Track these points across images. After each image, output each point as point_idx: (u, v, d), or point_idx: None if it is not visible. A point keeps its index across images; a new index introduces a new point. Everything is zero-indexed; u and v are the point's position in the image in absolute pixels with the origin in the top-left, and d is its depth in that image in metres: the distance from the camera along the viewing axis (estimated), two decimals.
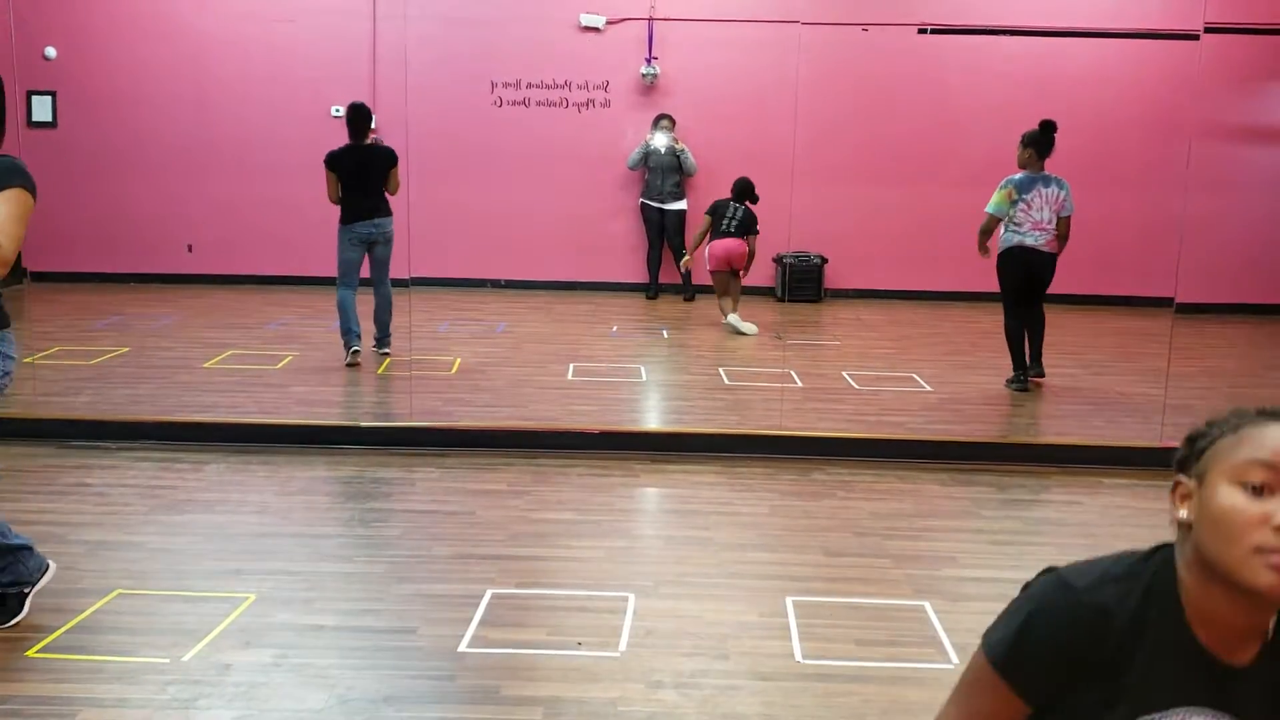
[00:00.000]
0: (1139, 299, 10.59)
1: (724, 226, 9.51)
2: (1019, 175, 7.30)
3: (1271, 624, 1.49)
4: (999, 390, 7.58)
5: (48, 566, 3.91)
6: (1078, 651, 1.47)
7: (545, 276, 11.46)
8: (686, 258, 10.09)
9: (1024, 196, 7.23)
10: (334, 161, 7.69)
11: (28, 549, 3.86)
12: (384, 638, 3.80)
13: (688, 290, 11.10)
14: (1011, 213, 7.26)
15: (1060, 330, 8.10)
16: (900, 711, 3.39)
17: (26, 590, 3.83)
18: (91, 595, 4.05)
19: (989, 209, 7.35)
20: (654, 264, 11.32)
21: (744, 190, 9.57)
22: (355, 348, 7.73)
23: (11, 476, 5.41)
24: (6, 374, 3.62)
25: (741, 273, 9.57)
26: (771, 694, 3.47)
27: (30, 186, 3.49)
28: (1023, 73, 10.99)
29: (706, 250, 9.63)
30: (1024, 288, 7.43)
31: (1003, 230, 7.37)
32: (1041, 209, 7.27)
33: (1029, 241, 7.28)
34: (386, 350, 7.98)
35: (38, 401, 6.63)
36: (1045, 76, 10.95)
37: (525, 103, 11.35)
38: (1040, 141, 7.30)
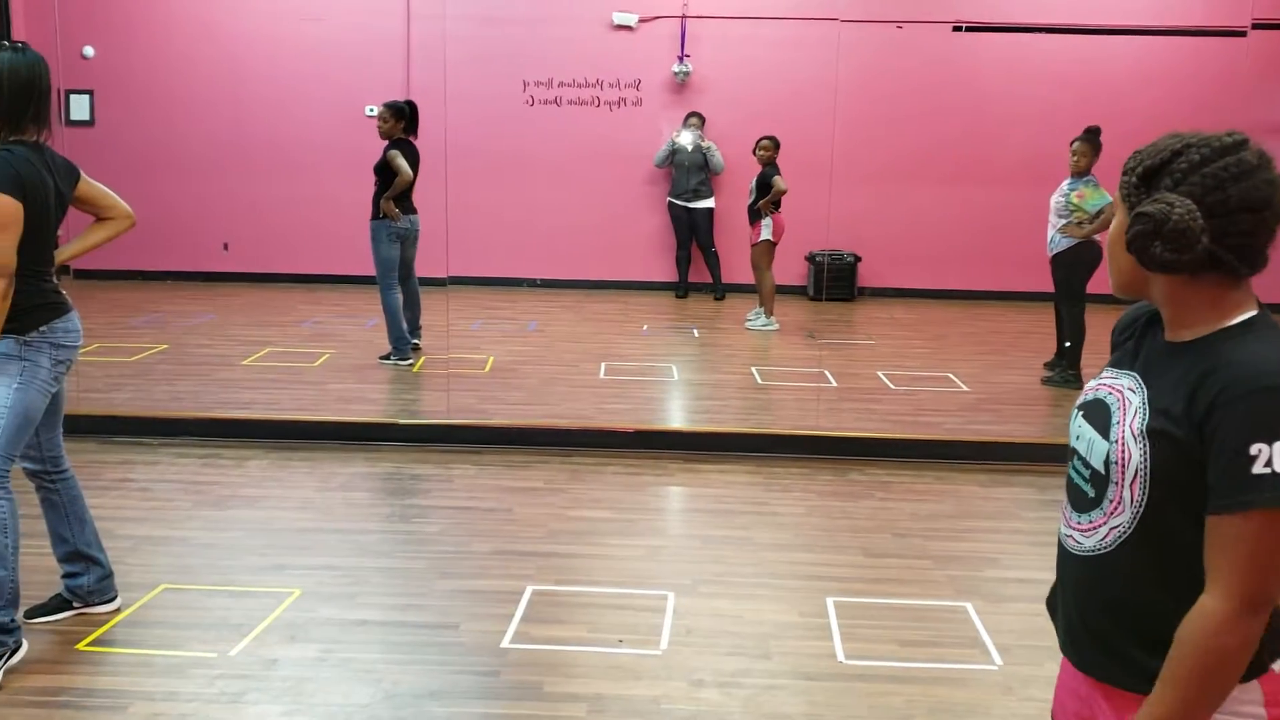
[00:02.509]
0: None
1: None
2: (1092, 176, 7.31)
3: None
4: (1037, 390, 7.55)
5: (113, 596, 3.95)
6: None
7: (576, 275, 11.47)
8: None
9: None
10: (402, 147, 7.69)
11: (100, 567, 3.90)
12: (427, 633, 3.82)
13: (718, 290, 11.10)
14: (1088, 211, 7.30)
15: (1098, 330, 8.05)
16: (944, 712, 3.39)
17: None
18: (139, 589, 4.09)
19: (1103, 201, 7.25)
20: (683, 263, 11.32)
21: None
22: (412, 356, 7.82)
23: None
24: (59, 362, 3.61)
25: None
26: (815, 694, 3.48)
27: (10, 189, 3.34)
28: (1062, 71, 10.93)
29: (772, 221, 9.42)
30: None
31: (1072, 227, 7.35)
32: None
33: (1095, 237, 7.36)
34: (417, 341, 8.03)
35: (80, 397, 6.67)
36: (1085, 75, 10.88)
37: (557, 101, 11.38)
38: (1098, 144, 7.35)
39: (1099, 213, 7.23)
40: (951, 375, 7.85)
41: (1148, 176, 1.64)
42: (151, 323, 9.23)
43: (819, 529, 4.98)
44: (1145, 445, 1.62)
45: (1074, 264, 7.39)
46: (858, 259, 11.20)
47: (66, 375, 3.71)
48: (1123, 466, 1.64)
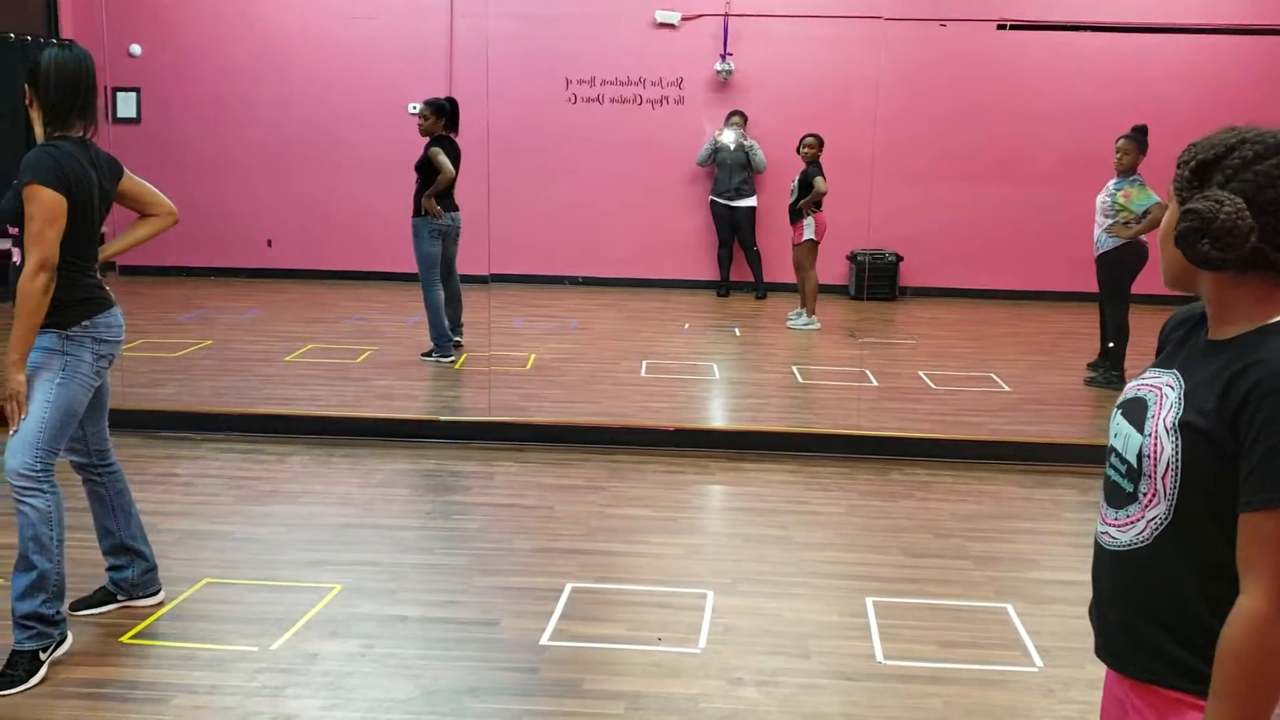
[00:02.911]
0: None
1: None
2: (1138, 176, 7.24)
3: None
4: (1080, 391, 7.48)
5: (157, 589, 3.98)
6: None
7: (617, 274, 11.48)
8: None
9: None
10: (443, 144, 7.79)
11: (145, 560, 3.94)
12: (467, 629, 3.84)
13: (760, 289, 11.07)
14: (1134, 211, 7.21)
15: (1142, 331, 7.96)
16: (984, 714, 3.36)
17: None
18: (181, 583, 4.13)
19: (1147, 202, 7.17)
20: (724, 261, 11.30)
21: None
22: (454, 353, 7.89)
23: None
24: (101, 356, 3.62)
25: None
26: (854, 694, 3.46)
27: (54, 184, 3.37)
28: (1106, 70, 10.81)
29: (814, 221, 9.37)
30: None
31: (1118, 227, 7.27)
32: None
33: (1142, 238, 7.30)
34: (459, 339, 8.07)
35: (125, 392, 6.74)
36: (1130, 74, 10.76)
37: (599, 99, 11.39)
38: (1144, 144, 7.27)
39: (1145, 213, 7.15)
40: (994, 375, 7.79)
41: (1200, 171, 1.63)
42: (196, 319, 9.32)
43: (859, 528, 4.96)
44: (1177, 439, 1.61)
45: (1119, 264, 7.30)
46: (899, 258, 11.14)
47: (110, 369, 3.73)
48: (1154, 460, 1.63)
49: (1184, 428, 1.60)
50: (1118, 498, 1.73)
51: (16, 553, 3.47)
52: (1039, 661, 3.70)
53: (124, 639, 3.70)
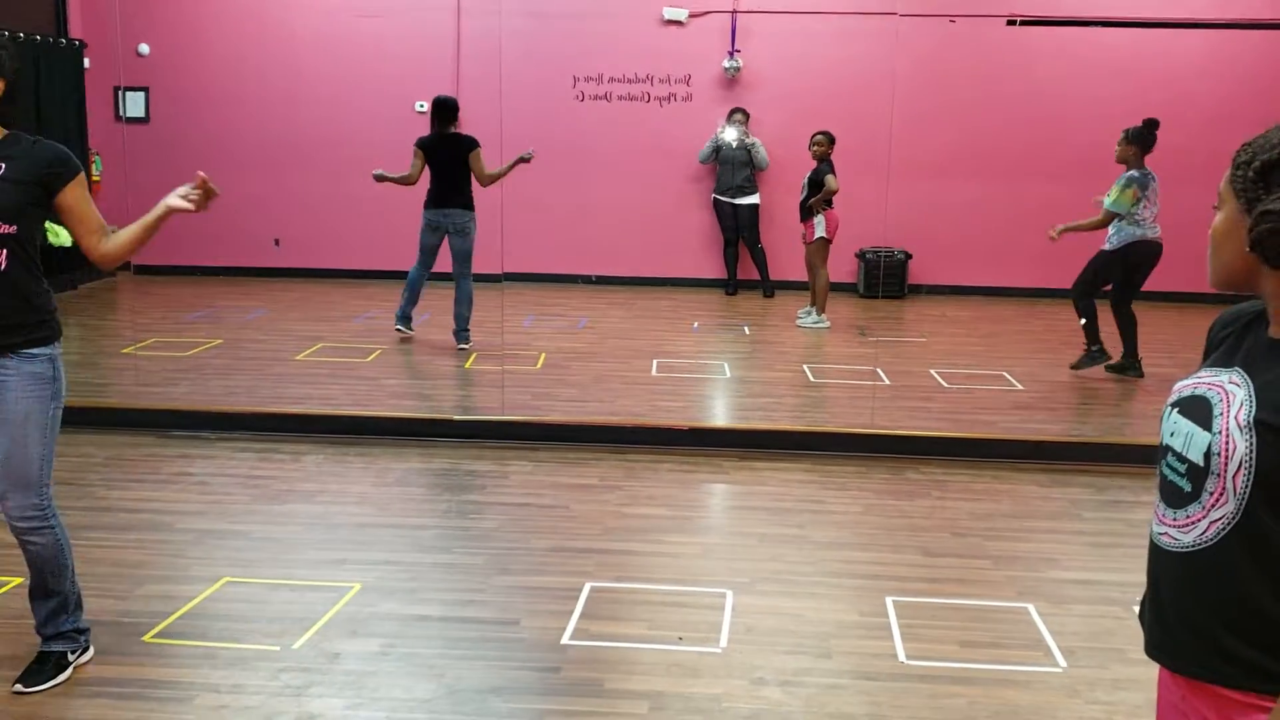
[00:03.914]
0: (1244, 298, 10.27)
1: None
2: (1136, 173, 7.27)
3: None
4: (1093, 389, 7.47)
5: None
6: None
7: (625, 272, 11.46)
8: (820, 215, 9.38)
9: (1145, 193, 7.29)
10: (422, 144, 8.09)
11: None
12: (488, 629, 3.83)
13: (767, 287, 11.05)
14: (1134, 210, 7.25)
15: (1156, 327, 7.96)
16: (1009, 715, 3.35)
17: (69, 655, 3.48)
18: (200, 583, 4.13)
19: (1112, 206, 7.29)
20: (731, 259, 11.28)
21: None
22: (400, 329, 8.35)
23: (117, 464, 5.54)
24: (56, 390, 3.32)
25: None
26: (877, 694, 3.45)
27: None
28: (1117, 65, 10.78)
29: (825, 219, 9.30)
30: (1140, 281, 7.49)
31: (1118, 226, 7.33)
32: (1156, 203, 7.37)
33: (1151, 235, 7.36)
34: (464, 345, 8.06)
35: (138, 391, 6.77)
36: (1142, 70, 10.73)
37: (607, 97, 11.37)
38: (1146, 138, 7.31)
39: (1109, 213, 7.31)
40: (1005, 374, 7.77)
41: (1266, 171, 1.61)
42: (205, 317, 9.31)
43: (876, 528, 4.95)
44: (1252, 436, 1.59)
45: (1108, 263, 7.45)
46: (909, 256, 11.12)
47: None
48: (1225, 458, 1.62)
49: (1260, 425, 1.59)
50: (1176, 498, 1.71)
51: (29, 583, 3.44)
52: (1063, 662, 3.68)
53: (146, 638, 3.69)
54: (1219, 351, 1.77)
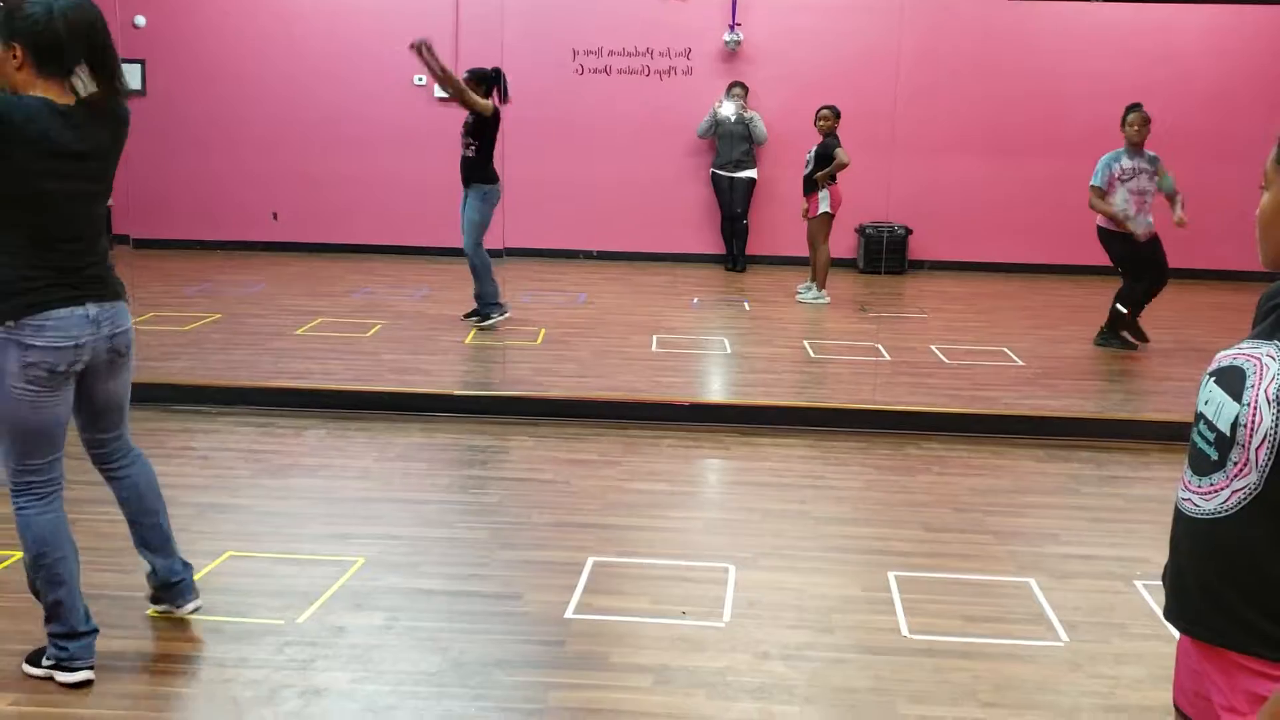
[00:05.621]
0: (1244, 273, 10.27)
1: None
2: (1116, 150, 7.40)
3: None
4: (1093, 365, 7.48)
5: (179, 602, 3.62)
6: None
7: (624, 247, 11.45)
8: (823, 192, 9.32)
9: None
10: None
11: (153, 573, 3.59)
12: (491, 603, 3.84)
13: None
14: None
15: (1160, 304, 7.96)
16: (1013, 689, 3.37)
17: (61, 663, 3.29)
18: (204, 557, 4.13)
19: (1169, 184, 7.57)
20: (728, 234, 11.26)
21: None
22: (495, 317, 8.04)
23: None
24: (31, 365, 3.09)
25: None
26: (881, 668, 3.47)
27: None
28: (1119, 41, 10.75)
29: (829, 194, 9.26)
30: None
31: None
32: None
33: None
34: (482, 324, 8.06)
35: (139, 365, 6.72)
36: (1144, 46, 10.71)
37: (606, 70, 11.32)
38: (1130, 119, 7.59)
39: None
40: (1006, 349, 7.78)
41: None
42: (205, 292, 9.30)
43: (878, 503, 4.96)
44: (1278, 410, 1.60)
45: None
46: (909, 231, 11.11)
47: (69, 380, 3.21)
48: (1251, 429, 1.63)
49: None
50: (1203, 465, 1.72)
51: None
52: (1064, 636, 3.70)
53: (151, 612, 3.69)
54: (1265, 324, 1.77)
